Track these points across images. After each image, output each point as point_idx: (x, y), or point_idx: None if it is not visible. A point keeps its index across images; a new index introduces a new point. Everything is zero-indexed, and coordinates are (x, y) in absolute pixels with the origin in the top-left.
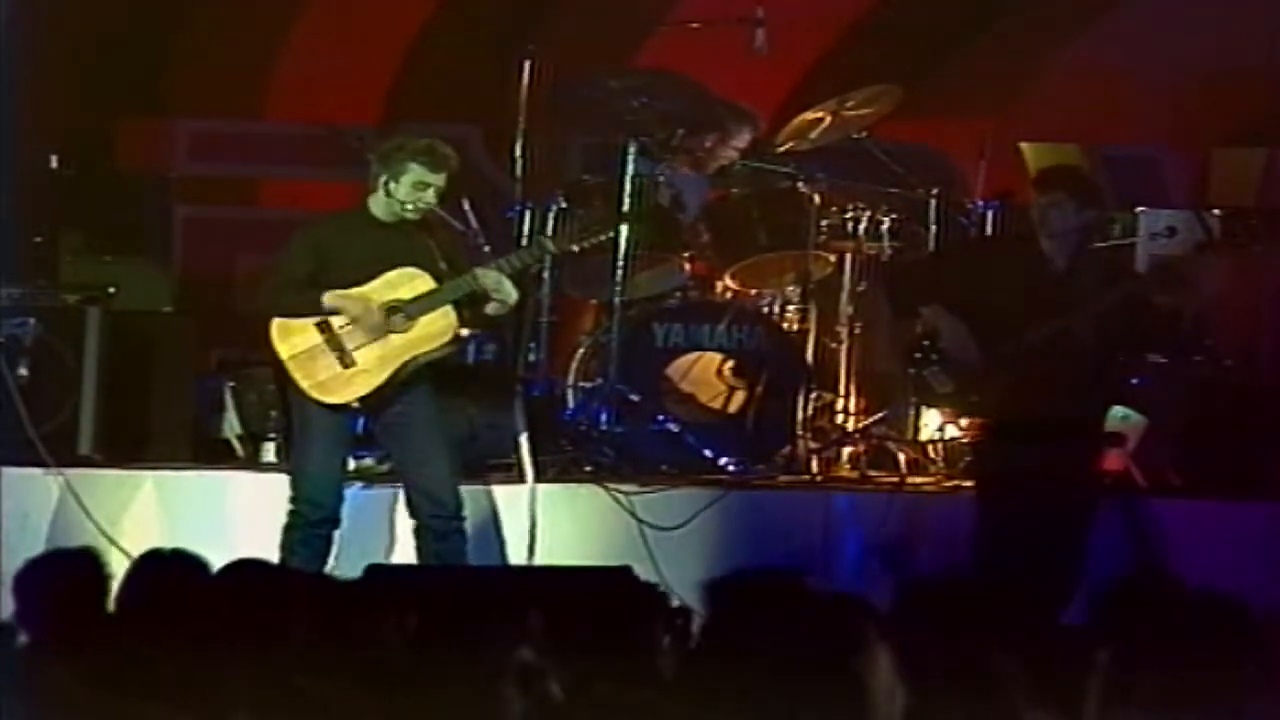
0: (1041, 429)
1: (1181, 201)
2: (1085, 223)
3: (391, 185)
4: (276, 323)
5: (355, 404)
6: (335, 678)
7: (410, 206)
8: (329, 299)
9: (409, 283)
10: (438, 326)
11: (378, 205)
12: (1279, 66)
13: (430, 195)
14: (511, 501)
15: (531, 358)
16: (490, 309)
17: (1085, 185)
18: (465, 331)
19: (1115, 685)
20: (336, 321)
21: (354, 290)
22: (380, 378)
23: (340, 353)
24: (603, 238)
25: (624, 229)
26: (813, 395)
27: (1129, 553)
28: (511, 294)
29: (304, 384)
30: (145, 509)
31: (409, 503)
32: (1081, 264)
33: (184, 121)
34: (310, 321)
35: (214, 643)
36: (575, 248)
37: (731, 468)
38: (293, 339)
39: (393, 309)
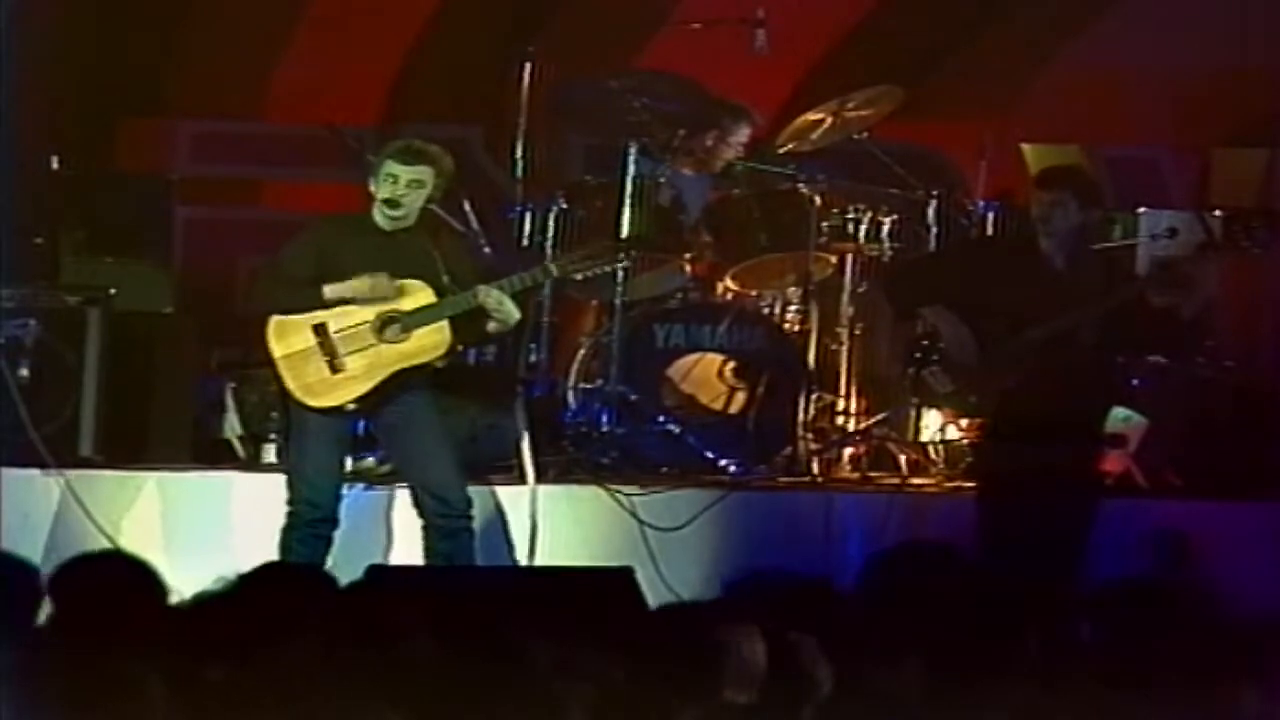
0: (1042, 429)
1: (1182, 202)
2: (1087, 222)
3: (372, 187)
4: (274, 322)
5: (351, 406)
6: (334, 678)
7: (385, 201)
8: (330, 291)
9: (409, 294)
10: (432, 340)
11: (378, 213)
12: (1279, 66)
13: (402, 188)
14: (512, 503)
15: (532, 359)
16: (491, 327)
17: (1088, 184)
18: (459, 346)
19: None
20: (333, 326)
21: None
22: (366, 386)
23: (331, 357)
24: (609, 269)
25: (626, 227)
26: (813, 396)
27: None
28: (514, 313)
29: (291, 385)
30: (146, 510)
31: (415, 502)
32: (1082, 264)
33: (184, 122)
34: (307, 324)
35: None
36: (579, 276)
37: (732, 469)
38: (287, 339)
39: (390, 319)
